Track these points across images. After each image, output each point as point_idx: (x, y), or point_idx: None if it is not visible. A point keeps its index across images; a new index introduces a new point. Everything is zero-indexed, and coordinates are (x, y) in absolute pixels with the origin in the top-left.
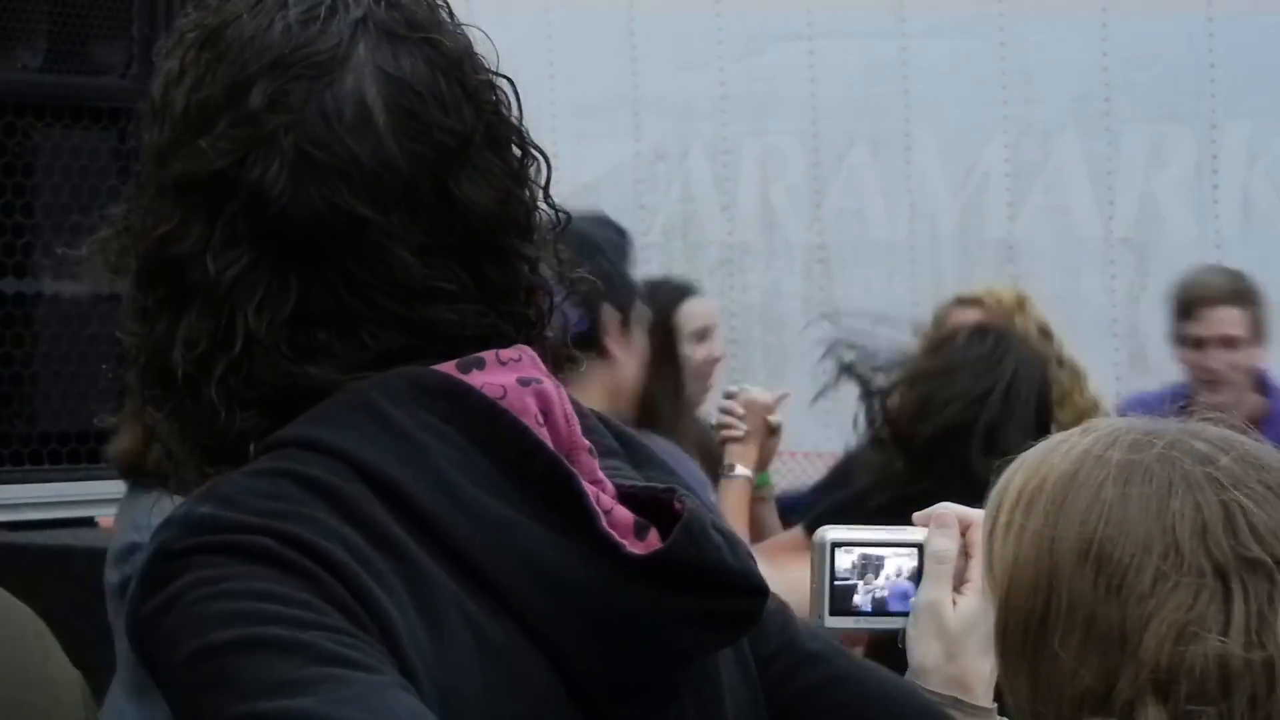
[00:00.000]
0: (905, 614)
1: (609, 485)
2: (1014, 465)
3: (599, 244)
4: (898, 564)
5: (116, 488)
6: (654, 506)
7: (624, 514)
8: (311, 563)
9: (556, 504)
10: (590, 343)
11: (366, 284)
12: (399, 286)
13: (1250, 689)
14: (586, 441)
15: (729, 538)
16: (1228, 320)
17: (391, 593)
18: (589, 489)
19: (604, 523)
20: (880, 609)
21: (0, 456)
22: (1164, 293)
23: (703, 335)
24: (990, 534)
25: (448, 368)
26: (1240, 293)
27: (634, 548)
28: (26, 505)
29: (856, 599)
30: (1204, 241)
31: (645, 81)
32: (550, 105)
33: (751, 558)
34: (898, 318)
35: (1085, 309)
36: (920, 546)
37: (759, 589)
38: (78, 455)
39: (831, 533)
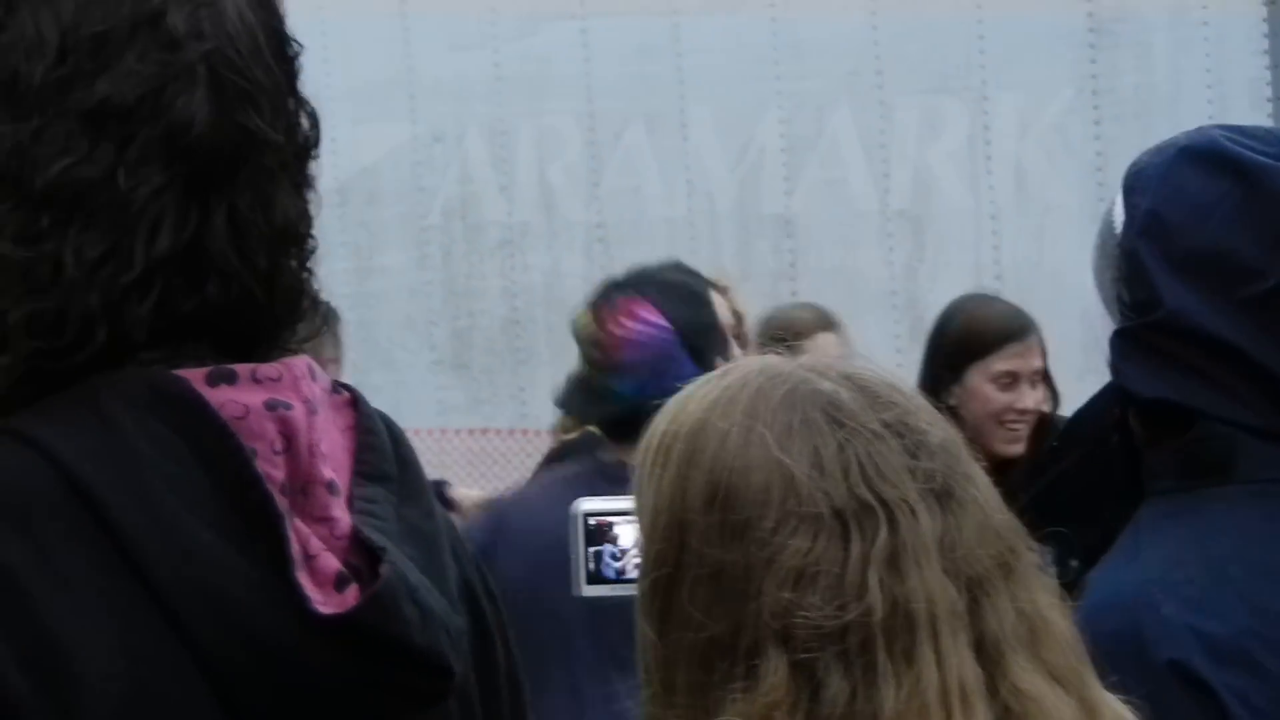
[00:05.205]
0: None
1: (342, 524)
2: (661, 411)
3: (701, 296)
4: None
5: None
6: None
7: (329, 563)
8: None
9: (263, 540)
10: None
11: (250, 222)
12: (275, 226)
13: (863, 631)
14: (328, 476)
15: (427, 613)
16: (827, 345)
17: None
18: (302, 530)
19: (296, 571)
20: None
21: None
22: (941, 264)
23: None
24: (638, 483)
25: (196, 376)
26: (828, 319)
27: (326, 601)
28: None
29: (609, 568)
30: (979, 212)
31: (419, 64)
32: (326, 89)
33: (449, 633)
34: None
35: (863, 282)
36: None
37: (444, 670)
38: None
39: (585, 503)
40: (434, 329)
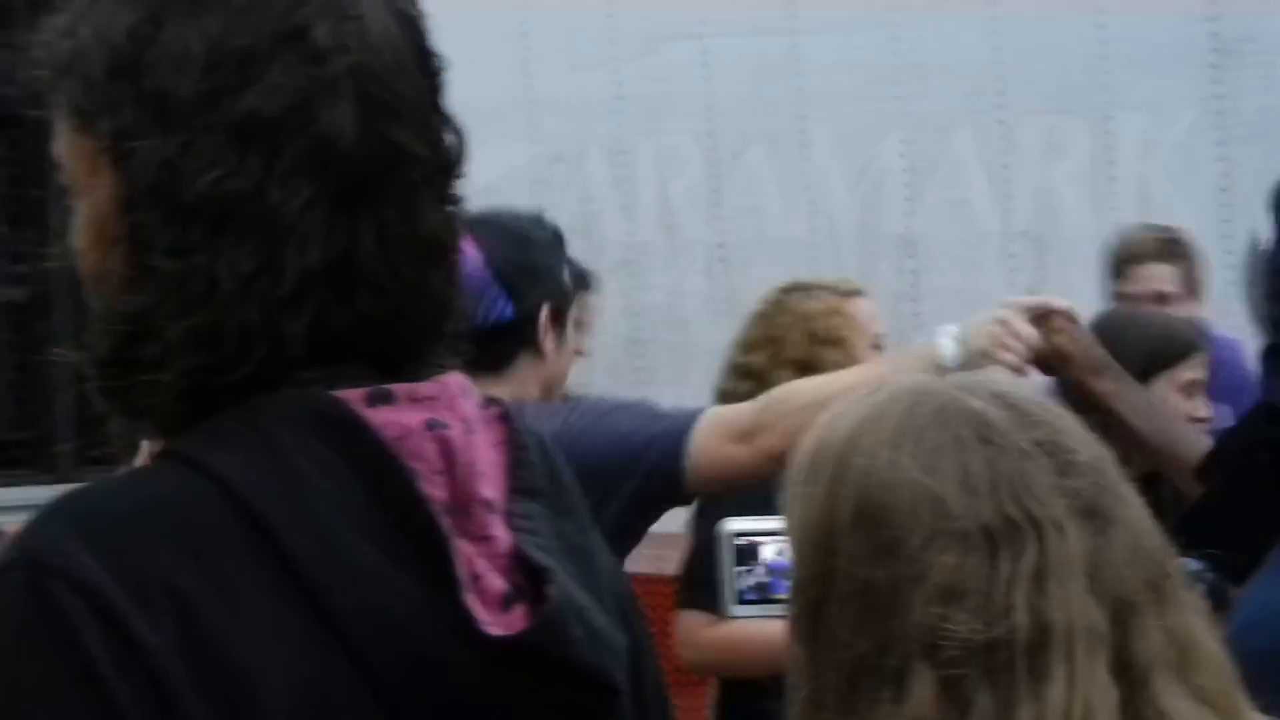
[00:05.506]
0: None
1: (502, 543)
2: (811, 428)
3: (529, 237)
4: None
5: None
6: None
7: (495, 583)
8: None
9: (429, 561)
10: (522, 337)
11: (397, 235)
12: (421, 239)
13: (1008, 649)
14: (487, 495)
15: (593, 632)
16: (1157, 277)
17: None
18: (466, 551)
19: (464, 593)
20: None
21: None
22: (1064, 285)
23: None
24: (788, 500)
25: (355, 397)
26: (1170, 249)
27: (495, 623)
28: None
29: (751, 589)
30: (1102, 233)
31: (539, 83)
32: None
33: (614, 651)
34: None
35: (986, 303)
36: None
37: (611, 688)
38: None
39: (732, 524)
40: None
